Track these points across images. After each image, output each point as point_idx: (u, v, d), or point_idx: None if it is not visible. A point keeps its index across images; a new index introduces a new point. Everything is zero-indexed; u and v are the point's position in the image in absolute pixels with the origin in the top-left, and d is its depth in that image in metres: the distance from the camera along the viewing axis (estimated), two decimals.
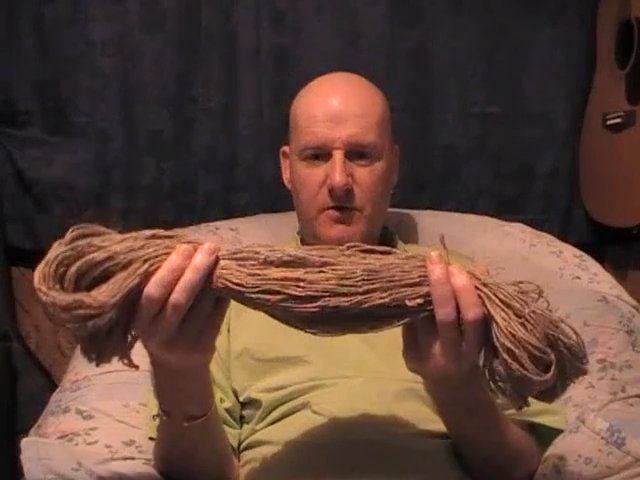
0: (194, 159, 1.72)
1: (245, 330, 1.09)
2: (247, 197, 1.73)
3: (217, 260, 0.73)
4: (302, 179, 1.15)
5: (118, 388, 1.14)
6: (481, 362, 0.78)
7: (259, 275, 0.72)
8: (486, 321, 0.73)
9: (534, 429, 1.01)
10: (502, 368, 0.73)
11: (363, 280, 0.72)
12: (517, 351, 0.71)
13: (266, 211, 1.64)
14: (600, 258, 1.52)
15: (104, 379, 1.17)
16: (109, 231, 0.74)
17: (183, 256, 0.72)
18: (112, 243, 0.72)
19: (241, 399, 1.06)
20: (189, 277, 0.71)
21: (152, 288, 0.71)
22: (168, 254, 0.72)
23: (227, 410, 1.03)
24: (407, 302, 0.72)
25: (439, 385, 0.84)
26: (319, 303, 0.71)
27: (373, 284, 0.72)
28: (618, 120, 1.61)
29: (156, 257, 0.72)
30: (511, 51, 1.74)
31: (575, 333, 0.74)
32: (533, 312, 0.72)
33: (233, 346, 1.08)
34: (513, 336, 0.71)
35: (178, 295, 0.71)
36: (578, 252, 1.42)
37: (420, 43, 1.72)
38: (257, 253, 0.73)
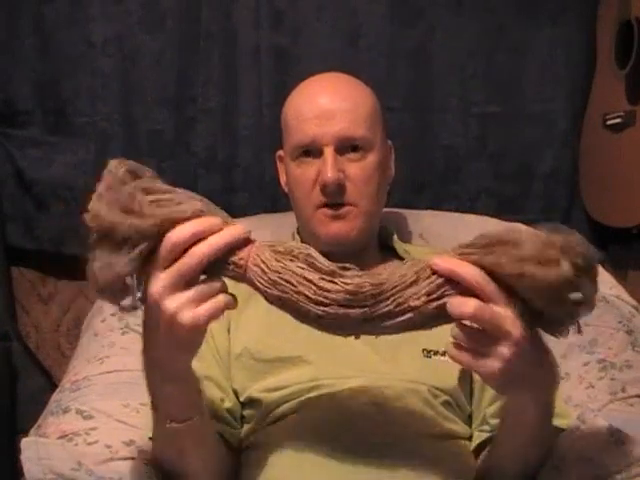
0: (194, 159, 1.71)
1: (245, 330, 1.09)
2: (247, 197, 1.73)
3: (252, 242, 0.78)
4: (296, 179, 1.16)
5: (118, 388, 1.14)
6: None
7: (283, 264, 0.76)
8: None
9: None
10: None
11: (371, 295, 0.75)
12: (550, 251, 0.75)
13: (266, 211, 1.64)
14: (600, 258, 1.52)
15: (104, 379, 1.17)
16: None
17: (224, 223, 0.77)
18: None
19: (242, 399, 1.06)
20: (216, 239, 0.76)
21: (183, 229, 0.75)
22: (214, 217, 0.77)
23: (228, 410, 1.03)
24: (411, 303, 0.75)
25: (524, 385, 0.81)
26: (326, 309, 0.75)
27: (379, 296, 0.75)
28: (618, 120, 1.61)
29: (206, 214, 0.77)
30: (511, 51, 1.73)
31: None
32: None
33: (233, 346, 1.08)
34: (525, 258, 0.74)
35: (202, 246, 0.75)
36: None
37: (420, 43, 1.71)
38: (283, 243, 0.78)
